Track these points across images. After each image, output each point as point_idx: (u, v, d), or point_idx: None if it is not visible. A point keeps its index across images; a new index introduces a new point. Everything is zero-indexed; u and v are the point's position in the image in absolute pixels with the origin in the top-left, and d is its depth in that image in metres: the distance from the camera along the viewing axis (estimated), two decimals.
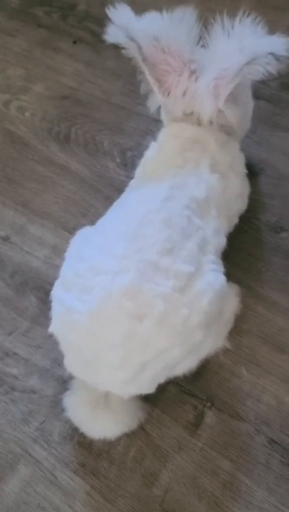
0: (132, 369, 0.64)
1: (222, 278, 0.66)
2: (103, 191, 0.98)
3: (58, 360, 0.82)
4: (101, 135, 1.05)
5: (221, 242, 0.71)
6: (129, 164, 1.00)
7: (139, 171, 0.79)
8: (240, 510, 0.68)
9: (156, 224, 0.65)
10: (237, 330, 0.79)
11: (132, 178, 0.99)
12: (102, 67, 1.17)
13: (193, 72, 0.71)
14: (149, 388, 0.69)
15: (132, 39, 0.69)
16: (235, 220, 0.79)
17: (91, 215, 0.96)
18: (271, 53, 0.64)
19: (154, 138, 0.81)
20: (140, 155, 1.03)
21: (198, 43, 0.72)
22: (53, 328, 0.68)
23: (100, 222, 0.74)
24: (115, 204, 0.77)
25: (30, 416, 0.78)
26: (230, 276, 0.71)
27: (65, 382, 0.80)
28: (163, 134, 0.78)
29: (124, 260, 0.63)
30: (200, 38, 0.72)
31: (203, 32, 0.71)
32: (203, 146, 0.74)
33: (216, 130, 0.75)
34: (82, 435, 0.75)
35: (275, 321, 0.80)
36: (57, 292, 0.69)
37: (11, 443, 0.76)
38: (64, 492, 0.72)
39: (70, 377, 0.79)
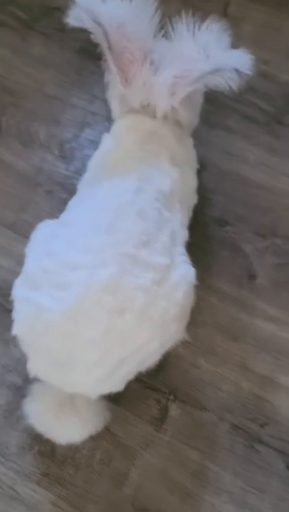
0: (110, 366, 0.62)
1: (192, 270, 0.67)
2: (43, 185, 0.92)
3: (8, 366, 0.77)
4: (35, 126, 1.00)
5: (185, 234, 0.72)
6: (68, 157, 0.96)
7: (94, 164, 0.76)
8: (210, 497, 0.69)
9: (131, 216, 0.64)
10: (193, 322, 0.80)
11: (73, 171, 0.98)
12: (29, 55, 1.10)
13: (153, 63, 0.71)
14: (120, 386, 0.67)
15: (99, 23, 0.66)
16: (191, 214, 0.80)
17: (32, 210, 0.90)
18: (235, 69, 0.66)
19: (108, 130, 0.79)
20: (79, 147, 1.01)
21: (159, 34, 0.72)
22: (18, 330, 0.63)
23: (65, 216, 0.71)
24: (77, 198, 0.74)
25: None
26: None
27: (18, 388, 0.75)
28: (119, 126, 0.76)
29: (102, 254, 0.60)
30: (161, 28, 0.72)
31: (167, 25, 0.71)
32: (162, 140, 0.74)
33: (173, 124, 0.75)
34: (42, 443, 0.71)
35: (228, 311, 0.83)
36: (20, 291, 0.64)
37: None
38: (27, 506, 0.68)
39: (25, 383, 0.74)
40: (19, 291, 0.64)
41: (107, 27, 0.67)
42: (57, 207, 0.92)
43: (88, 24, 0.67)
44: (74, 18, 0.67)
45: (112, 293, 0.59)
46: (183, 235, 0.71)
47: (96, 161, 0.76)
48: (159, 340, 0.63)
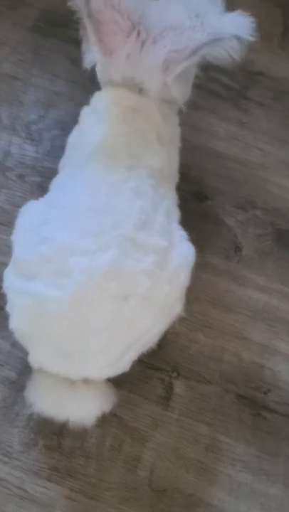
0: (118, 352, 0.60)
1: (192, 247, 0.65)
2: (13, 169, 0.87)
3: None
4: None
5: (177, 212, 0.70)
6: (36, 139, 0.91)
7: (76, 141, 0.72)
8: (226, 469, 0.68)
9: (126, 194, 0.61)
10: (186, 298, 0.79)
11: (43, 153, 0.92)
12: None
13: (140, 34, 0.66)
14: (126, 368, 0.65)
15: None
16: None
17: (4, 195, 0.84)
18: (235, 36, 0.60)
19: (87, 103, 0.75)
20: (47, 128, 0.96)
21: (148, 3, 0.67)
22: (17, 324, 0.59)
23: (53, 197, 0.66)
24: (63, 178, 0.69)
25: None
26: None
27: (13, 383, 0.70)
28: (100, 100, 0.72)
29: (102, 237, 0.57)
30: None
31: None
32: (147, 117, 0.70)
33: (159, 100, 0.71)
34: (47, 437, 0.67)
35: (219, 283, 0.82)
36: (14, 282, 0.59)
37: None
38: (40, 504, 0.63)
39: (20, 376, 0.70)
40: (12, 283, 0.59)
41: None
42: (31, 190, 0.87)
43: None
44: None
45: (116, 278, 0.56)
46: (177, 211, 0.69)
47: (77, 137, 0.72)
48: (164, 322, 0.62)
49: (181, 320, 0.75)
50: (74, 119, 0.89)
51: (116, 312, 0.57)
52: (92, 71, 0.74)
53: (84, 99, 0.96)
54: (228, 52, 0.61)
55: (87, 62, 0.71)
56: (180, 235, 0.65)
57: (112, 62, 0.68)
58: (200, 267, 0.83)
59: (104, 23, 0.65)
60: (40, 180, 0.87)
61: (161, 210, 0.64)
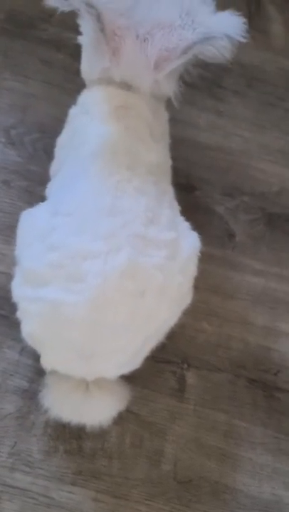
0: (136, 347, 0.60)
1: (196, 235, 0.66)
2: None
3: (7, 370, 0.70)
4: None
5: (177, 206, 0.70)
6: (17, 143, 0.89)
7: (69, 143, 0.70)
8: (246, 453, 0.69)
9: (131, 194, 0.60)
10: None
11: (26, 156, 0.90)
12: None
13: (138, 36, 0.63)
14: (138, 364, 0.64)
15: (92, 5, 0.58)
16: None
17: None
18: (226, 35, 0.59)
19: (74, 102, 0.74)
20: (27, 131, 0.94)
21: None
22: (32, 329, 0.58)
23: (54, 202, 0.63)
24: (60, 181, 0.67)
25: None
26: None
27: (25, 391, 0.69)
28: (89, 99, 0.70)
29: (113, 238, 0.57)
30: None
31: None
32: (139, 114, 0.68)
33: (148, 96, 0.69)
34: (67, 442, 0.66)
35: (216, 271, 0.83)
36: (24, 291, 0.59)
37: None
38: (68, 510, 0.63)
39: (32, 384, 0.69)
40: (22, 292, 0.59)
41: (101, 9, 0.59)
42: (18, 195, 0.85)
43: (78, 7, 0.59)
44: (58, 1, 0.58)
45: (131, 277, 0.56)
46: (177, 204, 0.69)
47: (70, 138, 0.70)
48: (178, 313, 0.63)
49: (185, 311, 0.76)
50: (53, 120, 0.87)
51: (134, 309, 0.57)
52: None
53: (61, 99, 0.95)
54: (218, 51, 0.60)
55: (86, 67, 0.70)
56: (185, 225, 0.66)
57: (118, 67, 0.66)
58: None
59: (114, 32, 0.62)
60: (26, 185, 0.85)
61: (165, 204, 0.64)
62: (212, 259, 0.84)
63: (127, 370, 0.64)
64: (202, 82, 1.04)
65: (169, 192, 0.68)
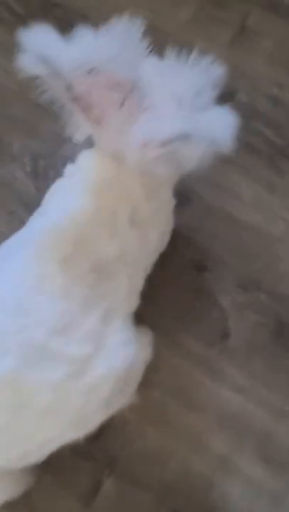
0: (15, 457, 0.54)
1: (130, 350, 0.57)
2: (6, 204, 0.84)
3: None
4: (12, 136, 0.91)
5: (134, 303, 0.62)
6: (40, 175, 0.87)
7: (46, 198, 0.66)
8: None
9: (50, 293, 0.53)
10: (147, 382, 0.69)
11: (41, 191, 0.87)
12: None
13: (131, 106, 0.55)
14: (40, 459, 0.58)
15: (59, 76, 0.51)
16: (153, 261, 0.69)
17: None
18: (214, 141, 0.49)
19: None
20: (54, 165, 0.91)
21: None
22: None
23: None
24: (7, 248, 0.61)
25: None
26: (143, 319, 0.62)
27: None
28: (82, 162, 0.63)
29: (5, 340, 0.51)
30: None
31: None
32: (125, 192, 0.60)
33: (145, 173, 0.60)
34: None
35: (190, 372, 0.71)
36: None
37: None
38: None
39: None
40: None
41: (70, 79, 0.52)
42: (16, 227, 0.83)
43: (45, 75, 0.51)
44: (25, 66, 0.50)
45: (11, 389, 0.50)
46: (127, 305, 0.60)
47: (49, 198, 0.65)
48: (78, 430, 0.55)
49: (133, 407, 0.67)
50: None
51: (8, 422, 0.51)
52: None
53: None
54: (200, 153, 0.51)
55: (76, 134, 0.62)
56: (119, 338, 0.56)
57: (101, 135, 0.59)
58: (174, 347, 0.74)
59: (93, 102, 0.55)
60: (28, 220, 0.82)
61: (97, 310, 0.55)
62: (191, 355, 0.73)
63: (25, 465, 0.57)
64: (267, 146, 0.92)
65: (120, 291, 0.59)
